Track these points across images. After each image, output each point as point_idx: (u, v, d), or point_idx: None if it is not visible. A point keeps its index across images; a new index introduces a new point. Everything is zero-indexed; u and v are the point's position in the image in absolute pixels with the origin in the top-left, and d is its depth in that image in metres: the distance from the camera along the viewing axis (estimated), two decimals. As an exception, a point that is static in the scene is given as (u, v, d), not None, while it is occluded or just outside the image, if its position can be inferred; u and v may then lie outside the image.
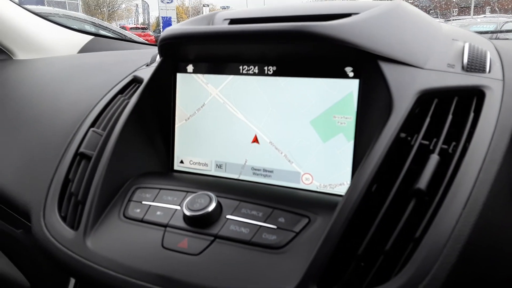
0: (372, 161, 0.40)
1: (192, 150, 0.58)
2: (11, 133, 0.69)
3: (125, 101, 0.61)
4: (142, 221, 0.46)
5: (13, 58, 1.02)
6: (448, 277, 0.33)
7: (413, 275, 0.33)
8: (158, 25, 26.87)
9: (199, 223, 0.43)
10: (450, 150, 0.40)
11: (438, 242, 0.34)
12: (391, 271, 0.35)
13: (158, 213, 0.46)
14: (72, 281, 0.56)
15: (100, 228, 0.47)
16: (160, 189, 0.49)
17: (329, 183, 0.50)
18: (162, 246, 0.43)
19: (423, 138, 0.41)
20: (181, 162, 0.59)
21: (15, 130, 0.69)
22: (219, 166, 0.57)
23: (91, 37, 1.14)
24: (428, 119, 0.42)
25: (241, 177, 0.54)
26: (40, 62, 0.94)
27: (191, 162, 0.58)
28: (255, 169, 0.54)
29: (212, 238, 0.42)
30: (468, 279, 0.35)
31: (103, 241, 0.45)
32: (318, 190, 0.50)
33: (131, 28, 18.54)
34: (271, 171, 0.53)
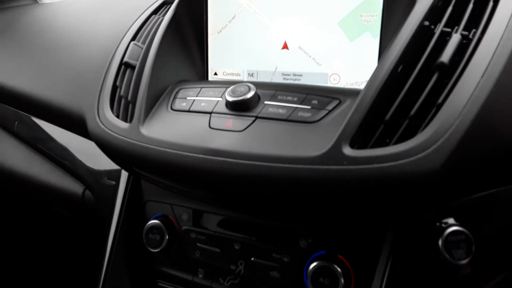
0: (397, 45, 0.43)
1: (225, 62, 0.62)
2: (56, 56, 0.74)
3: (160, 19, 0.65)
4: (189, 111, 0.52)
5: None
6: (466, 132, 0.38)
7: (435, 131, 0.38)
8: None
9: (241, 107, 0.48)
10: (470, 36, 0.44)
11: (458, 104, 0.39)
12: (415, 132, 0.40)
13: (203, 104, 0.51)
14: (124, 177, 0.62)
15: (152, 120, 0.52)
16: (202, 87, 0.55)
17: (356, 81, 0.54)
18: (209, 127, 0.48)
19: (445, 26, 0.45)
20: (215, 74, 0.64)
21: (58, 53, 0.74)
22: (251, 74, 0.61)
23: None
24: (450, 8, 0.45)
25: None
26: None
27: (224, 73, 0.63)
28: (285, 74, 0.58)
29: (253, 118, 0.47)
30: (483, 138, 0.39)
31: (156, 128, 0.51)
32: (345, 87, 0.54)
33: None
34: (300, 75, 0.57)
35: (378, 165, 0.38)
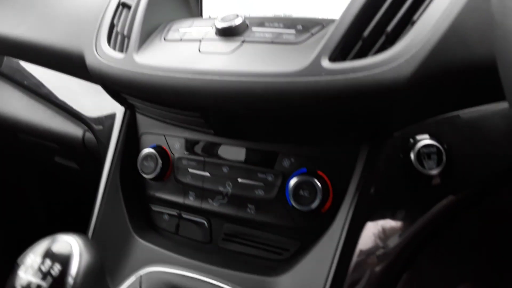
0: None
1: (220, 6, 0.65)
2: (57, 4, 0.77)
3: None
4: (181, 40, 0.54)
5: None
6: (438, 43, 0.40)
7: (408, 43, 0.41)
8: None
9: (229, 32, 0.51)
10: None
11: (431, 20, 0.41)
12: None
13: (194, 34, 0.54)
14: (120, 113, 0.65)
15: (145, 50, 0.55)
16: (194, 21, 0.57)
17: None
18: (199, 51, 0.51)
19: None
20: (209, 17, 0.66)
21: (60, 1, 0.77)
22: (245, 19, 0.64)
23: None
24: None
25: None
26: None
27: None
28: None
29: (241, 42, 0.50)
30: (455, 51, 0.41)
31: (149, 56, 0.54)
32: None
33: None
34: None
35: (354, 75, 0.41)
